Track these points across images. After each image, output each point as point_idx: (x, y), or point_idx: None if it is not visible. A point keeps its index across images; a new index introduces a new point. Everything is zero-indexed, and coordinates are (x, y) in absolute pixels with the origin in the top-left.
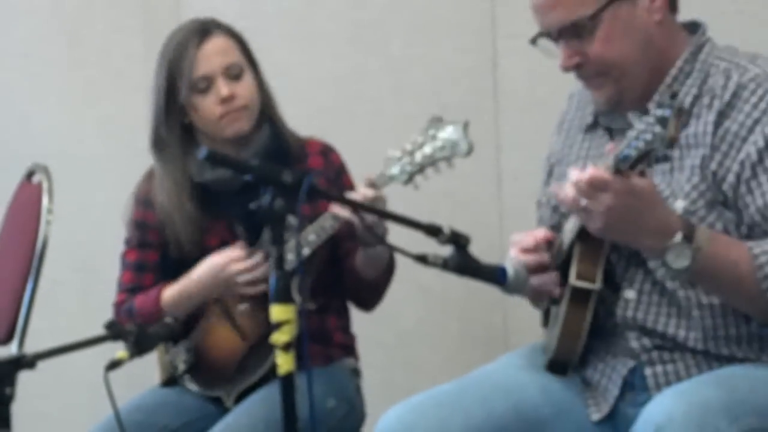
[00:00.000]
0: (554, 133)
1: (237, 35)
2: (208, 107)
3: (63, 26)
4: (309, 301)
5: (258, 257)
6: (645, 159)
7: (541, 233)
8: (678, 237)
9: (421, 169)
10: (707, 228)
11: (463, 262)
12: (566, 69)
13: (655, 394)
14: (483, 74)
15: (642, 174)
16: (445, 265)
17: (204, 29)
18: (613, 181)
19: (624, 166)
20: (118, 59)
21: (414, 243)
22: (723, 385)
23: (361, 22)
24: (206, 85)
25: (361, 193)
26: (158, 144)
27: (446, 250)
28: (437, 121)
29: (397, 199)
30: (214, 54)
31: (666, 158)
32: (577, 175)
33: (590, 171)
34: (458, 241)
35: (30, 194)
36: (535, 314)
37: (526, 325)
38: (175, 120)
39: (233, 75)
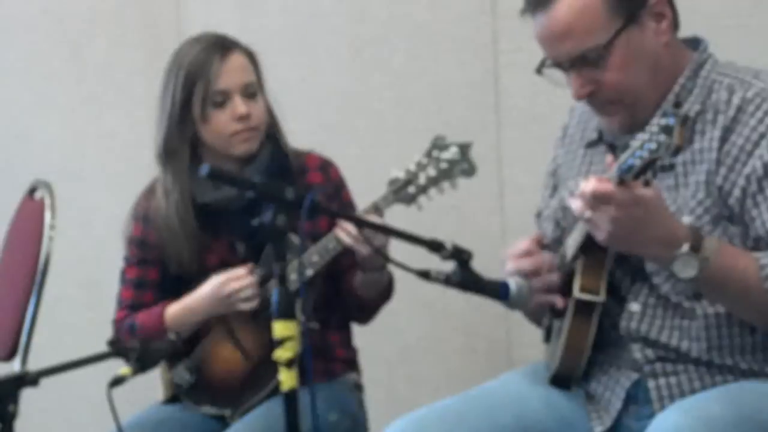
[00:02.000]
0: (557, 146)
1: (254, 56)
2: (221, 122)
3: (65, 41)
4: (312, 321)
5: (255, 275)
6: (649, 168)
7: (529, 237)
8: (685, 247)
9: (424, 190)
10: (716, 238)
11: (466, 278)
12: (579, 98)
13: (658, 408)
14: (484, 88)
15: (647, 184)
16: (448, 280)
17: (225, 44)
18: (616, 193)
19: (628, 177)
20: (120, 74)
21: (416, 258)
22: (729, 402)
23: (362, 37)
24: (222, 99)
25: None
26: (168, 155)
27: (449, 266)
28: (440, 142)
29: (399, 215)
30: (235, 70)
31: (671, 167)
32: (582, 186)
33: (593, 183)
34: (460, 256)
35: (32, 210)
36: (538, 329)
37: (529, 340)
38: (187, 131)
39: (249, 94)
